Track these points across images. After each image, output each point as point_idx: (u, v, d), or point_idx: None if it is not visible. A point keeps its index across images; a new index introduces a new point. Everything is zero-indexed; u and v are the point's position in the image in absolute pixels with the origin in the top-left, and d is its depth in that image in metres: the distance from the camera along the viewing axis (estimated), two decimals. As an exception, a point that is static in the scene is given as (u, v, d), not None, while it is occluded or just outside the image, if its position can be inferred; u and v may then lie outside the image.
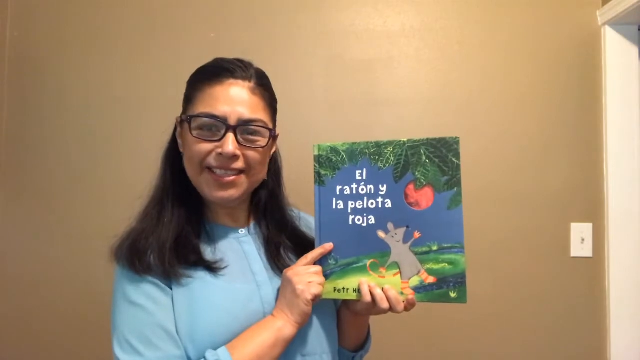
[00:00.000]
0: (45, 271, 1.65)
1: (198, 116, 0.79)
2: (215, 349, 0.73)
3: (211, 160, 0.80)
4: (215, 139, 0.79)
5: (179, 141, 0.86)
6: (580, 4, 1.65)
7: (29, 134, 1.68)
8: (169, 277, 0.76)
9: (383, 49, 1.67)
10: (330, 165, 0.83)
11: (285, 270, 0.80)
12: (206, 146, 0.79)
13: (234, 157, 0.79)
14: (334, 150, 0.83)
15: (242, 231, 0.89)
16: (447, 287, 0.77)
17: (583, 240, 1.60)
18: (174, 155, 0.87)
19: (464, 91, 1.64)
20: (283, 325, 0.76)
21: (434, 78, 1.66)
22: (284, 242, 0.90)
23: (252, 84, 0.82)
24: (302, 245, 0.91)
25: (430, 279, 0.77)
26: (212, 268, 0.79)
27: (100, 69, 1.68)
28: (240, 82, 0.81)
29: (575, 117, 1.63)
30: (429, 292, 0.78)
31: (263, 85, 0.85)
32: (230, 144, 0.78)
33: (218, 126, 0.79)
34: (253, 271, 0.84)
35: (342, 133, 1.64)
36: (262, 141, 0.83)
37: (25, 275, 1.65)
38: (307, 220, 1.01)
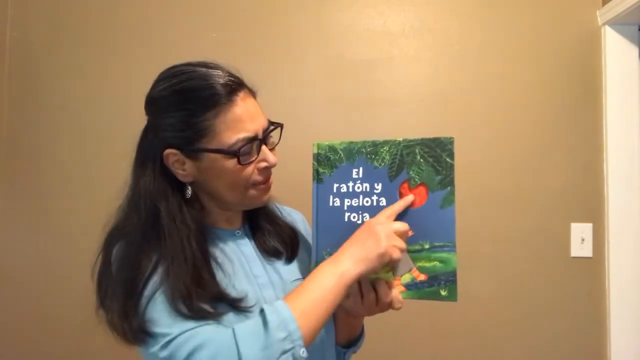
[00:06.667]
0: (43, 271, 1.65)
1: (242, 146, 0.76)
2: None
3: (256, 177, 0.81)
4: (253, 158, 0.79)
5: (180, 172, 0.81)
6: (580, 4, 1.65)
7: (29, 134, 1.68)
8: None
9: (383, 49, 1.67)
10: (329, 163, 0.83)
11: (371, 221, 0.76)
12: (250, 167, 0.80)
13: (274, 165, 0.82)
14: (332, 148, 0.83)
15: (238, 232, 0.89)
16: (437, 285, 0.77)
17: (583, 240, 1.60)
18: (171, 191, 0.81)
19: (463, 91, 1.64)
20: (347, 270, 0.71)
21: (434, 78, 1.66)
22: (270, 233, 0.91)
23: (247, 89, 0.81)
24: (287, 234, 0.92)
25: (422, 277, 0.78)
26: (237, 306, 0.75)
27: (100, 69, 1.68)
28: (242, 93, 0.79)
29: (575, 117, 1.63)
30: (420, 290, 0.78)
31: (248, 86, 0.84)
32: (270, 155, 0.81)
33: (252, 144, 0.79)
34: (254, 274, 0.84)
35: (342, 133, 1.64)
36: (276, 139, 0.85)
37: (22, 275, 1.66)
38: (287, 211, 1.01)
